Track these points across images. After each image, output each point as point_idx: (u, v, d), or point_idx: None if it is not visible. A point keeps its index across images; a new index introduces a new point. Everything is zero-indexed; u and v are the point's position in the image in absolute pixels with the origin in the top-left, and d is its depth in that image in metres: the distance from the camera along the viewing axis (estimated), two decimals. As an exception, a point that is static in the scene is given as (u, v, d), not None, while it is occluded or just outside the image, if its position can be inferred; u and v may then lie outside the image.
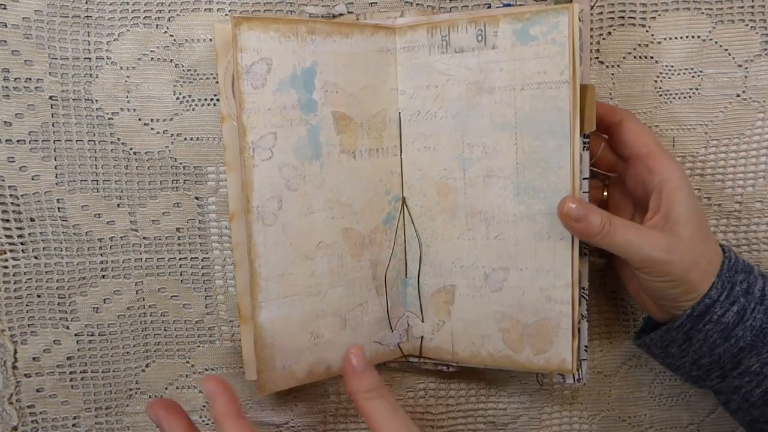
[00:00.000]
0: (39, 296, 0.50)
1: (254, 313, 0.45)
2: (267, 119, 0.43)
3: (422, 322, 0.50)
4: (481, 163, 0.46)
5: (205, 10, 0.48)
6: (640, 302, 0.49)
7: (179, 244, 0.50)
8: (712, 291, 0.44)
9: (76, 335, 0.51)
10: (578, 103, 0.43)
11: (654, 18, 0.50)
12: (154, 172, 0.49)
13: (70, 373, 0.51)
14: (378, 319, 0.49)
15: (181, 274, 0.51)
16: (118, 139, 0.48)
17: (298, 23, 0.44)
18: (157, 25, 0.47)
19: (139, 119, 0.48)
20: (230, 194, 0.47)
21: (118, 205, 0.49)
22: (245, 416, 0.40)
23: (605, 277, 0.53)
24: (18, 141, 0.48)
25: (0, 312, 0.49)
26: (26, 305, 0.50)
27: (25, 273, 0.49)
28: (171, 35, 0.48)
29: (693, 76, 0.51)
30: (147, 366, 0.52)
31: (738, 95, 0.51)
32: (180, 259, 0.51)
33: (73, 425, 0.52)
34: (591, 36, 0.50)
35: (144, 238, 0.50)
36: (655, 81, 0.51)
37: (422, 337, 0.50)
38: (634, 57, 0.50)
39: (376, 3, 0.48)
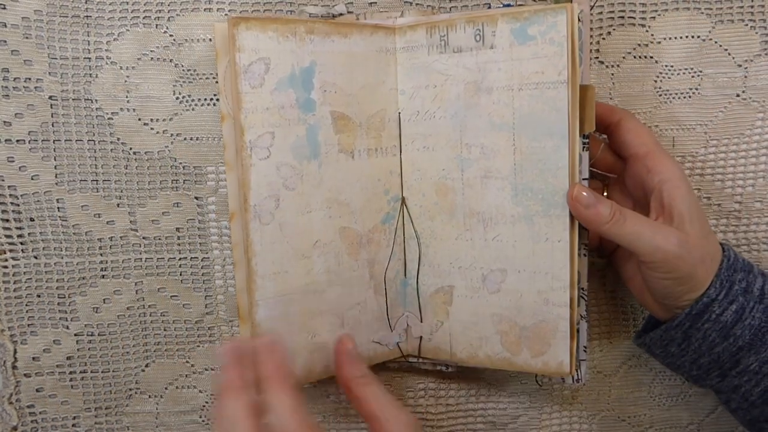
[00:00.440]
0: (39, 296, 0.50)
1: (251, 311, 0.45)
2: (265, 119, 0.43)
3: (421, 322, 0.50)
4: (479, 163, 0.46)
5: (204, 9, 0.48)
6: (641, 300, 0.48)
7: (179, 244, 0.50)
8: (711, 290, 0.44)
9: (75, 335, 0.51)
10: (578, 103, 0.43)
11: (654, 18, 0.50)
12: (153, 172, 0.49)
13: (70, 373, 0.51)
14: (376, 319, 0.49)
15: (180, 274, 0.51)
16: (118, 139, 0.49)
17: (296, 23, 0.44)
18: (156, 25, 0.47)
19: (139, 119, 0.48)
20: (230, 194, 0.47)
21: (118, 205, 0.49)
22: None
23: (605, 277, 0.53)
24: (18, 141, 0.48)
25: (0, 312, 0.50)
26: (26, 305, 0.50)
27: (24, 273, 0.49)
28: (171, 35, 0.48)
29: (693, 76, 0.50)
30: (147, 366, 0.52)
31: (738, 95, 0.51)
32: (180, 259, 0.51)
33: (73, 425, 0.52)
34: (591, 36, 0.49)
35: (144, 238, 0.50)
36: (655, 81, 0.50)
37: (421, 337, 0.50)
38: (634, 57, 0.50)
39: (376, 3, 0.48)
